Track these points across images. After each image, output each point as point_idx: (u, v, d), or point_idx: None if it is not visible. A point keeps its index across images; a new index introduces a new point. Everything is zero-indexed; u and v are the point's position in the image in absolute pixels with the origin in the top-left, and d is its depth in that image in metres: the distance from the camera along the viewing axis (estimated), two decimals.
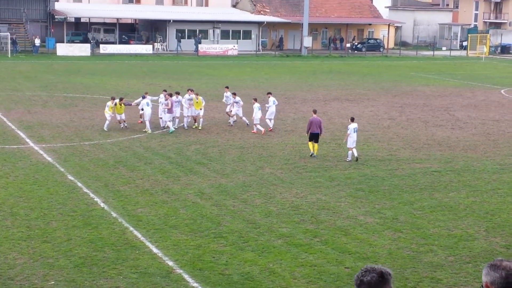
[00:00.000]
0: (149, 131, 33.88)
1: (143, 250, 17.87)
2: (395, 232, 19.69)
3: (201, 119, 35.74)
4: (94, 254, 17.49)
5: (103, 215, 20.75)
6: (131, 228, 19.51)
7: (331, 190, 24.15)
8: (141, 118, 35.89)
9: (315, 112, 30.26)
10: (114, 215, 20.72)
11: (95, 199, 22.34)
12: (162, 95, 35.13)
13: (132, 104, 36.51)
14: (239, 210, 21.62)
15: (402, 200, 23.12)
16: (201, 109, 35.66)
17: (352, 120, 29.20)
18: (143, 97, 35.29)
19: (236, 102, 36.23)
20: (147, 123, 34.22)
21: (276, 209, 21.75)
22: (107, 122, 34.17)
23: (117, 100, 34.52)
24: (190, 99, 35.58)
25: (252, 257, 17.52)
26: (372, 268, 5.00)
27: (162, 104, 34.71)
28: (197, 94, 36.29)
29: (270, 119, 35.46)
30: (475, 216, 21.52)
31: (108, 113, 34.20)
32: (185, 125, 35.60)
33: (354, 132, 28.49)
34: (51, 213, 20.69)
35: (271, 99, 35.33)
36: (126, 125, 34.82)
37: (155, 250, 17.91)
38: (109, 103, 34.25)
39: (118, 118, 34.58)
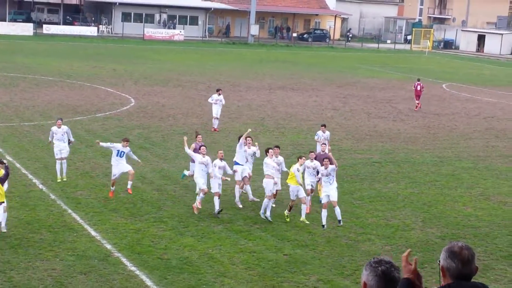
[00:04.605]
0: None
1: (81, 233, 17.67)
2: (334, 220, 19.88)
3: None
4: (31, 235, 17.22)
5: (41, 196, 20.44)
6: (70, 211, 19.27)
7: None
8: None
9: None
10: (53, 197, 20.43)
11: (33, 181, 21.98)
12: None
13: None
14: (180, 195, 21.55)
15: (342, 189, 23.31)
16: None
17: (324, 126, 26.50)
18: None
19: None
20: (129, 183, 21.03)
21: None
22: None
23: None
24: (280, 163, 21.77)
25: (192, 242, 17.50)
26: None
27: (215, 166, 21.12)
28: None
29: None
30: (413, 207, 21.89)
31: None
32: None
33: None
34: None
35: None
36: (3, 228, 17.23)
37: (93, 233, 17.74)
38: None
39: None
